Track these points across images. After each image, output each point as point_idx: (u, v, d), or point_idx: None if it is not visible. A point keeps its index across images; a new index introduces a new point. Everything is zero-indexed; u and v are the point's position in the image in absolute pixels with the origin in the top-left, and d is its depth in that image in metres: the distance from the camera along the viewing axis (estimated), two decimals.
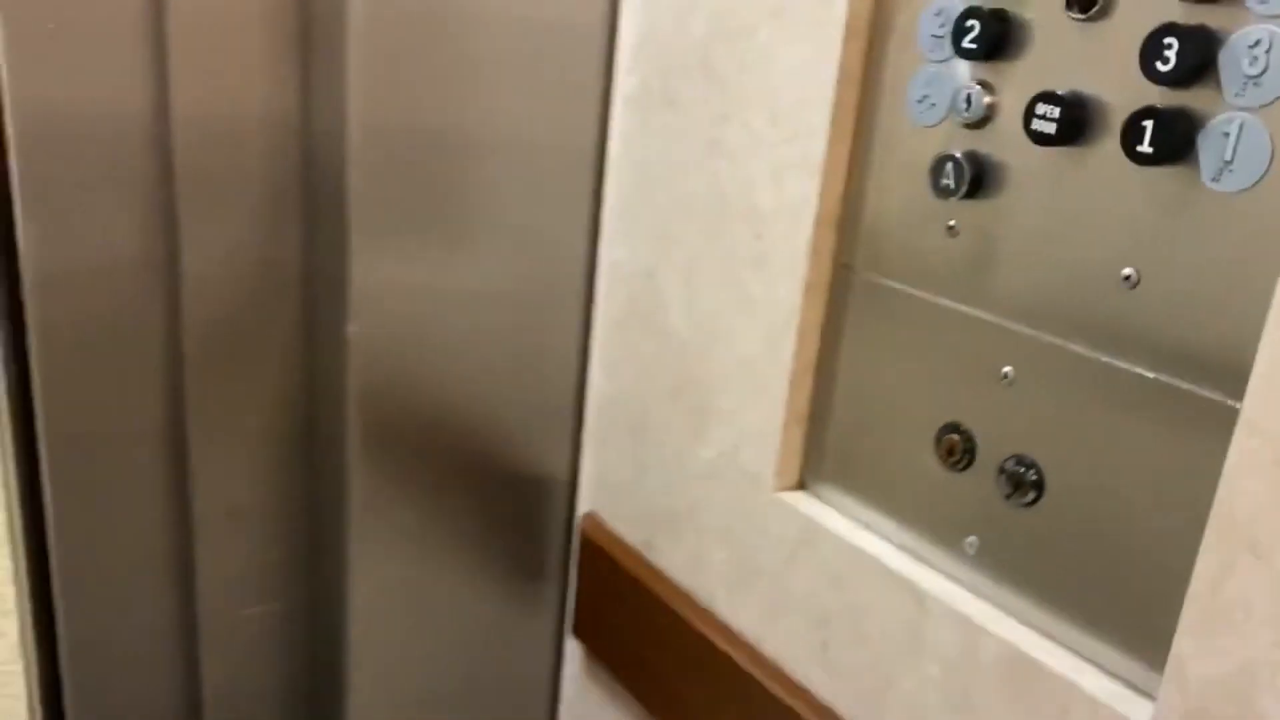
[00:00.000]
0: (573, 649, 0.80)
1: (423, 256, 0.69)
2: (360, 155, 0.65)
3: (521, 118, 0.69)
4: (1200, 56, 0.39)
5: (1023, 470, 0.48)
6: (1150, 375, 0.43)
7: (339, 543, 0.74)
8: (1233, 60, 0.39)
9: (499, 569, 0.79)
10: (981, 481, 0.50)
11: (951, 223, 0.50)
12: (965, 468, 0.50)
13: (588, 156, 0.70)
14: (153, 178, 0.64)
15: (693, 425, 0.65)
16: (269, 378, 0.71)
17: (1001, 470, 0.49)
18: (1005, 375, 0.48)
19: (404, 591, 0.76)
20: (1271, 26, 0.38)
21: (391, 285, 0.68)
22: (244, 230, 0.67)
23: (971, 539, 0.51)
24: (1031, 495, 0.48)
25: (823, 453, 0.58)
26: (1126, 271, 0.43)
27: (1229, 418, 0.38)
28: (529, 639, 0.81)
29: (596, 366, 0.74)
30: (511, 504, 0.78)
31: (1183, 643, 0.40)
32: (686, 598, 0.67)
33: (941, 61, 0.49)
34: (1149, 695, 0.43)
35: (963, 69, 0.48)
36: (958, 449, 0.51)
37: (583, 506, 0.77)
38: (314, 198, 0.69)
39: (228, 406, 0.71)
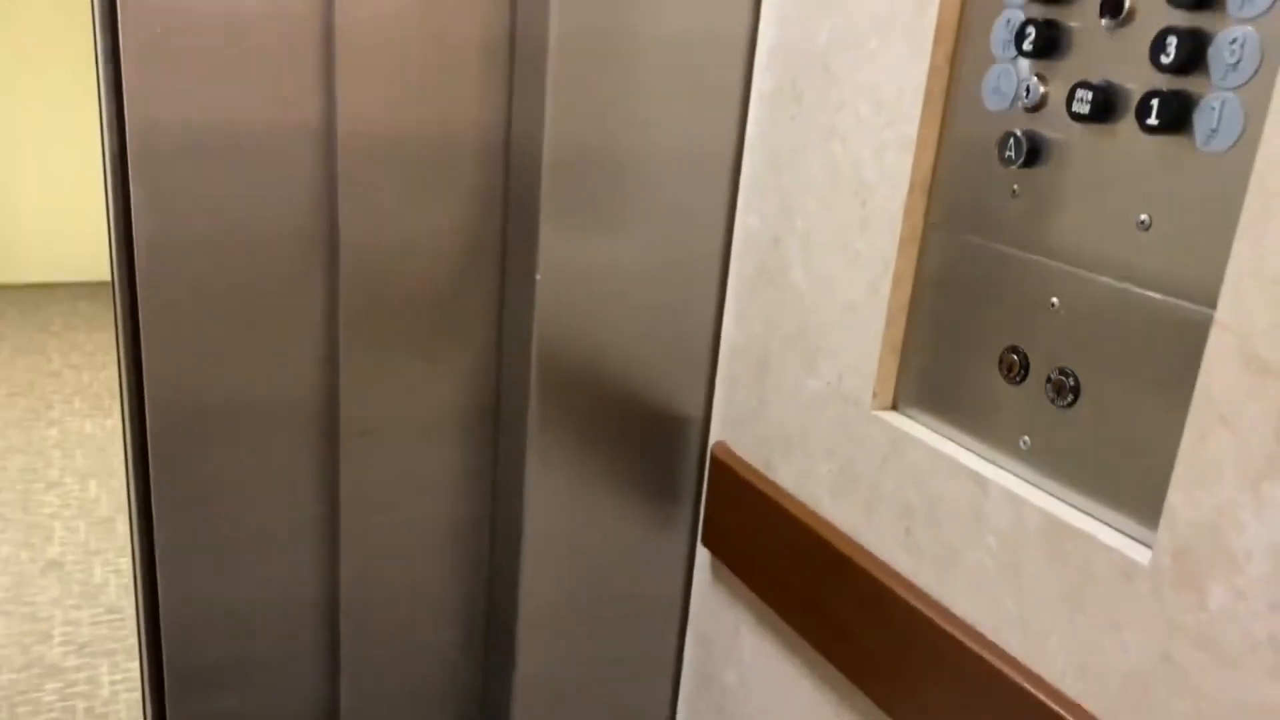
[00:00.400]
0: (702, 557, 0.95)
1: (594, 232, 0.86)
2: (552, 162, 0.82)
3: (678, 118, 0.85)
4: (1194, 50, 0.52)
5: (1064, 378, 0.61)
6: (1159, 297, 0.55)
7: (518, 458, 0.91)
8: (1218, 53, 0.51)
9: (644, 491, 0.95)
10: (1033, 391, 0.63)
11: (1014, 187, 0.63)
12: (1021, 381, 0.64)
13: (729, 145, 0.86)
14: (374, 174, 0.83)
15: (806, 362, 0.80)
16: (474, 325, 0.90)
17: (1048, 380, 0.62)
18: (1053, 304, 0.61)
19: (567, 504, 0.93)
20: (1247, 27, 0.50)
21: (569, 252, 0.85)
22: (462, 214, 0.86)
23: (1025, 438, 0.64)
24: (1070, 398, 0.60)
25: (912, 377, 0.72)
26: (1141, 217, 0.56)
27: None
28: (667, 549, 0.97)
29: (730, 319, 0.89)
30: (655, 436, 0.94)
31: (1174, 495, 0.53)
32: (798, 504, 0.81)
33: (1009, 60, 0.63)
34: (1149, 545, 0.55)
35: (1024, 65, 0.62)
36: (1016, 366, 0.64)
37: (714, 437, 0.93)
38: (512, 192, 0.87)
39: (439, 347, 0.89)
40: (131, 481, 0.85)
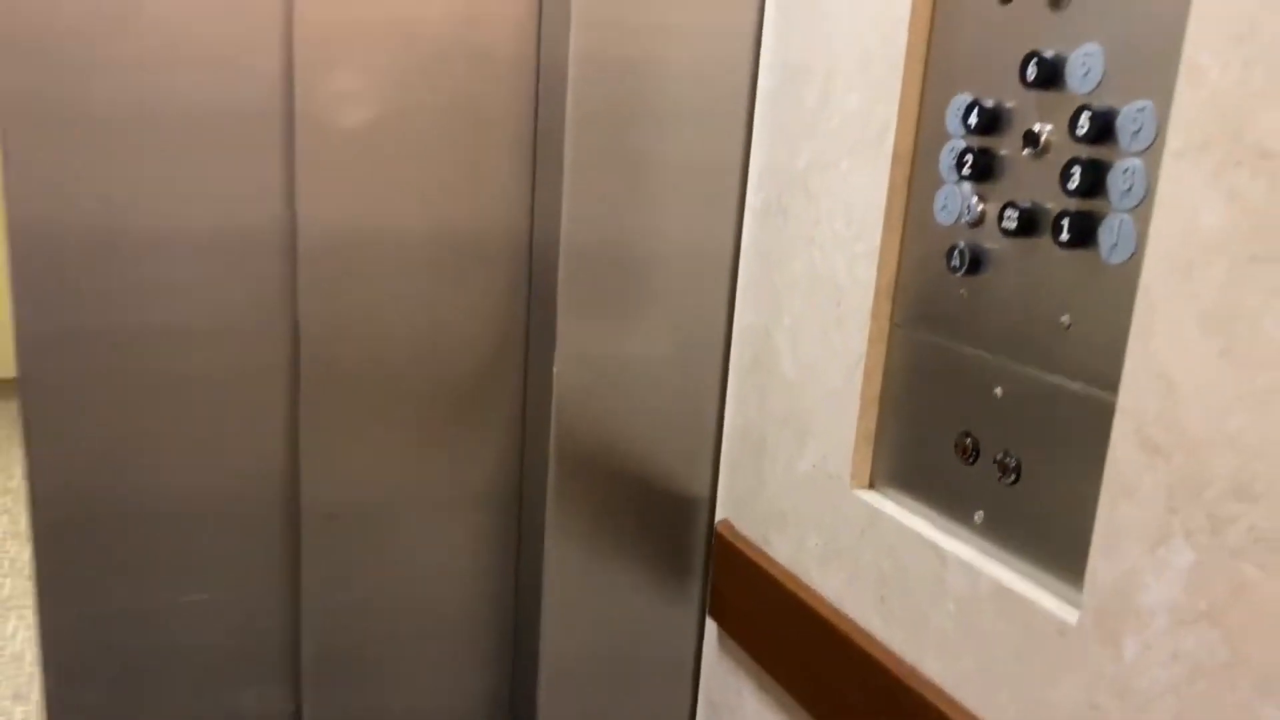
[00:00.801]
0: (710, 628, 1.03)
1: (608, 325, 0.96)
2: (568, 256, 0.93)
3: (683, 226, 0.96)
4: (1095, 178, 0.61)
5: (1008, 460, 0.69)
6: (1080, 387, 0.64)
7: (537, 532, 1.00)
8: (1114, 180, 0.61)
9: (656, 566, 1.03)
10: (984, 471, 0.71)
11: (962, 291, 0.72)
12: (974, 462, 0.72)
13: (727, 250, 0.96)
14: (429, 267, 0.95)
15: (796, 445, 0.88)
16: (500, 408, 1.00)
17: (995, 461, 0.70)
18: (997, 394, 0.70)
19: (585, 577, 1.02)
20: (1136, 159, 0.59)
21: (585, 344, 0.95)
22: (493, 306, 0.97)
23: (979, 513, 0.71)
24: (1013, 477, 0.68)
25: (885, 458, 0.80)
26: (1064, 318, 0.65)
27: None
28: (678, 620, 1.04)
29: (731, 405, 0.99)
30: (666, 514, 1.03)
31: (1093, 561, 0.60)
32: (791, 576, 0.89)
33: (955, 183, 0.73)
34: (1078, 606, 0.62)
35: (966, 187, 0.72)
36: (969, 449, 0.72)
37: (719, 515, 1.01)
38: (535, 286, 0.98)
39: (470, 425, 1.00)
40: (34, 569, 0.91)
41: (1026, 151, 0.66)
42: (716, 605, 1.01)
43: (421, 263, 0.95)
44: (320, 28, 0.87)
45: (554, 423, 0.96)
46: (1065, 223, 0.63)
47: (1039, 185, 0.66)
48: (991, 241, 0.70)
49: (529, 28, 0.93)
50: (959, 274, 0.72)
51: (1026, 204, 0.66)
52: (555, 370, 0.94)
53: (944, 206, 0.73)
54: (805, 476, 0.87)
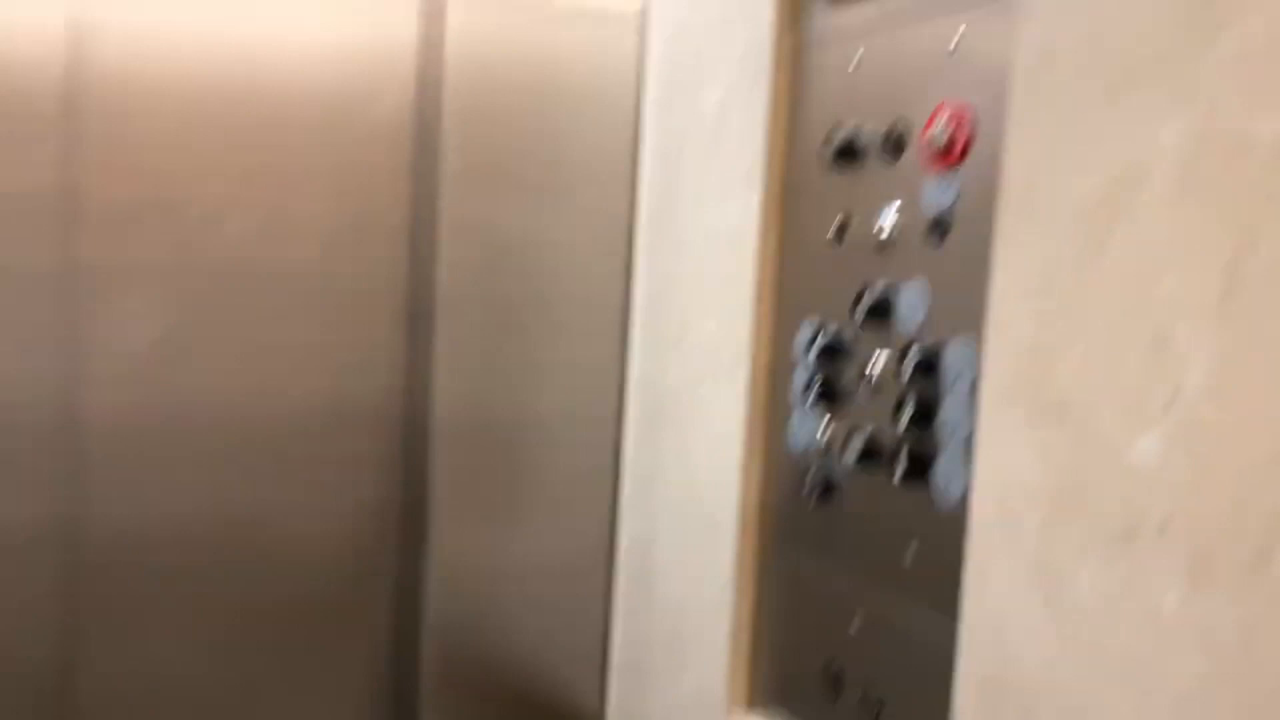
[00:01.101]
0: None
1: (489, 530, 0.95)
2: (442, 441, 0.92)
3: (566, 430, 0.96)
4: (925, 414, 0.62)
5: (869, 695, 0.67)
6: (927, 624, 0.63)
7: None
8: (942, 417, 0.62)
9: None
10: (850, 706, 0.69)
11: (818, 517, 0.72)
12: (839, 697, 0.70)
13: (608, 460, 0.96)
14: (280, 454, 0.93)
15: (678, 663, 0.86)
16: (367, 616, 0.97)
17: (858, 697, 0.68)
18: (855, 626, 0.69)
19: None
20: (960, 397, 0.61)
21: (463, 550, 0.93)
22: (363, 492, 0.94)
23: None
24: (875, 714, 0.67)
25: (762, 681, 0.78)
26: (909, 553, 0.64)
27: None
28: None
29: (617, 620, 0.96)
30: None
31: None
32: None
33: (804, 409, 0.74)
34: None
35: (816, 413, 0.72)
36: (833, 681, 0.70)
37: None
38: (409, 473, 0.96)
39: (342, 621, 0.95)
40: None
41: (862, 386, 0.68)
42: None
43: (244, 454, 0.90)
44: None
45: (427, 634, 0.93)
46: (901, 457, 0.63)
47: (878, 415, 0.67)
48: (840, 469, 0.70)
49: (392, 257, 0.94)
50: (813, 500, 0.72)
51: (867, 433, 0.67)
52: (430, 579, 0.91)
53: (797, 432, 0.74)
54: (687, 697, 0.84)
